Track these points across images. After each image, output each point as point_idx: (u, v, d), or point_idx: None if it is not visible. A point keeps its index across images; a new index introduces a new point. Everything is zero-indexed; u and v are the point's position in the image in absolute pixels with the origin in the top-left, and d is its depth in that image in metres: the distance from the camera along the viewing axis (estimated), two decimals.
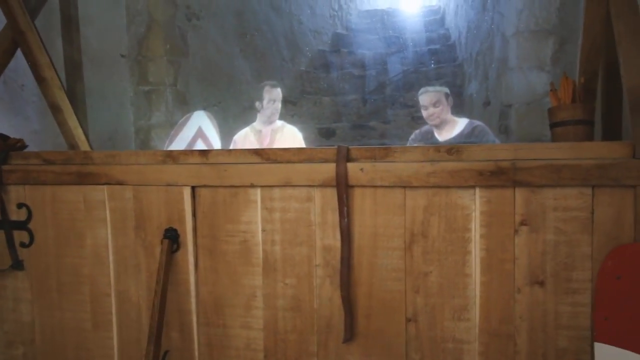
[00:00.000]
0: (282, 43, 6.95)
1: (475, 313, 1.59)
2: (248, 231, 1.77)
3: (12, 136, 2.11)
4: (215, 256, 1.80)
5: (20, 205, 1.98)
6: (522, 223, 1.54)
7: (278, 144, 3.82)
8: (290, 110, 6.50)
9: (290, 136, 3.93)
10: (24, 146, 2.12)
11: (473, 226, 1.58)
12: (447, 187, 1.58)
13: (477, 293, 1.59)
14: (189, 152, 1.87)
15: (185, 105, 4.67)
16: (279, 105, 3.91)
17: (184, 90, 4.75)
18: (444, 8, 8.96)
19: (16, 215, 1.99)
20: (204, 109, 4.18)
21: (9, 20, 2.36)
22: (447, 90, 3.55)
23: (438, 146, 1.63)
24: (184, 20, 4.85)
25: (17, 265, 1.98)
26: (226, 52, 5.56)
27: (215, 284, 1.81)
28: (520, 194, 1.53)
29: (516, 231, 1.54)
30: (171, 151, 1.89)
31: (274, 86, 3.89)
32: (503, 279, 1.56)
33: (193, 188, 1.81)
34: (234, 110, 5.46)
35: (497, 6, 4.99)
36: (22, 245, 1.98)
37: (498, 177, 1.52)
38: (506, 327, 1.57)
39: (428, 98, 3.46)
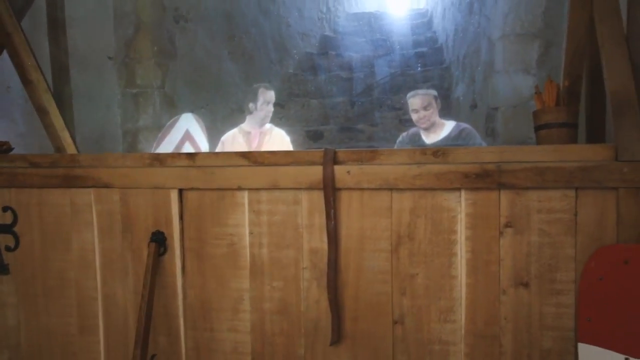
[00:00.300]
0: (270, 46, 6.95)
1: (461, 314, 1.61)
2: (235, 234, 1.77)
3: None
4: (203, 259, 1.80)
5: (5, 209, 1.97)
6: (507, 225, 1.55)
7: (266, 147, 3.83)
8: (279, 113, 6.50)
9: (278, 139, 3.94)
10: (10, 149, 2.11)
11: (459, 228, 1.59)
12: (433, 189, 1.60)
13: (463, 295, 1.60)
14: (176, 155, 1.87)
15: (173, 108, 4.66)
16: (272, 107, 3.92)
17: (172, 92, 4.74)
18: (432, 11, 9.02)
19: (1, 218, 1.97)
20: (192, 111, 4.17)
21: None
22: (435, 93, 3.57)
23: (424, 149, 1.65)
24: (172, 23, 4.85)
25: (3, 269, 1.97)
26: (214, 54, 5.56)
27: (203, 287, 1.81)
28: (505, 196, 1.55)
29: (501, 233, 1.56)
30: (158, 154, 1.89)
31: (268, 88, 3.90)
32: (488, 280, 1.58)
33: (180, 191, 1.81)
34: (222, 113, 5.45)
35: (483, 9, 5.03)
36: (8, 249, 1.97)
37: (483, 179, 1.54)
38: (491, 328, 1.58)
39: (418, 101, 3.47)
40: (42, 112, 2.44)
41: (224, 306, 1.79)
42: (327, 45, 8.42)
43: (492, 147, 1.61)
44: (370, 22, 9.28)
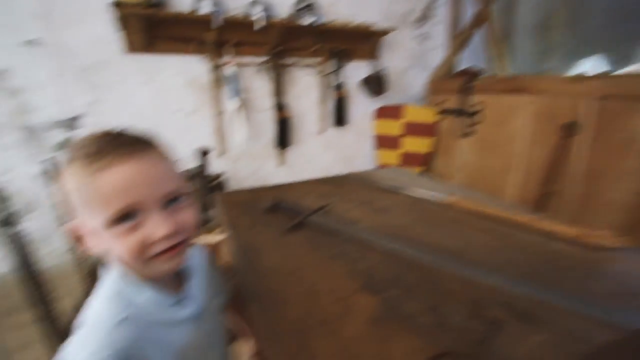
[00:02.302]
0: None
1: None
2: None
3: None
4: (601, 149, 2.29)
5: (476, 105, 3.07)
6: None
7: None
8: None
9: None
10: (481, 73, 3.27)
11: None
12: None
13: None
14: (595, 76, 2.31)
15: None
16: None
17: None
18: None
19: (473, 109, 3.06)
20: None
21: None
22: None
23: None
24: None
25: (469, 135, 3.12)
26: None
27: (596, 162, 2.32)
28: None
29: None
30: (578, 75, 2.41)
31: None
32: None
33: (597, 99, 2.26)
34: None
35: None
36: (475, 124, 3.06)
37: None
38: None
39: None
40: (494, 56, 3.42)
41: (611, 176, 2.27)
42: None
43: None
44: None
